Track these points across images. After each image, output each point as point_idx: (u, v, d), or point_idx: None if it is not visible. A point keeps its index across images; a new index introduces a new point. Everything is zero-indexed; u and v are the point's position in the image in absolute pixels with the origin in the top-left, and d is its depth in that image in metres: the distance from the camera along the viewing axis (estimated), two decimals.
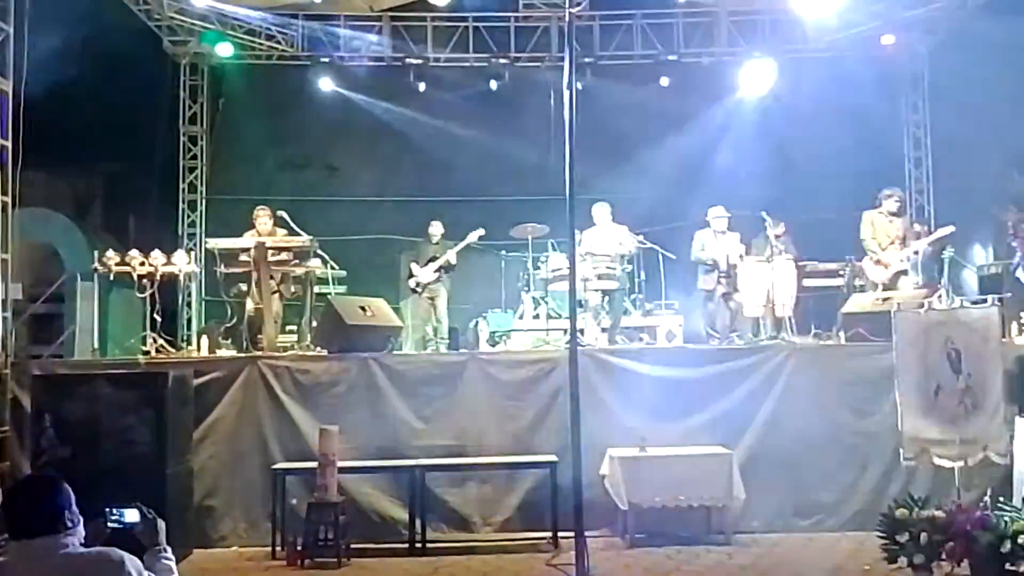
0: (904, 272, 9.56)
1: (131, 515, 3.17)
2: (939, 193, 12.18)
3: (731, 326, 9.84)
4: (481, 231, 10.43)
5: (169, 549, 3.20)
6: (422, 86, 12.23)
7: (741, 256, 9.82)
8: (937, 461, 6.78)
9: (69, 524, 2.94)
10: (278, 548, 7.39)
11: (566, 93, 6.52)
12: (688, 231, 10.42)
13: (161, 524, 3.22)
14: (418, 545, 7.47)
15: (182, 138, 12.42)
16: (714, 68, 12.38)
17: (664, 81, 12.42)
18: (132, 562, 2.91)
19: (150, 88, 11.93)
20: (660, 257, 10.26)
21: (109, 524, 3.15)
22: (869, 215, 9.71)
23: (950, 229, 9.53)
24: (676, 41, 12.47)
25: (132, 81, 11.37)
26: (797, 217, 10.45)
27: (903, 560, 6.28)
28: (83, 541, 2.98)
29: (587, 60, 12.02)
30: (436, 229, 10.62)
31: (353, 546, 7.28)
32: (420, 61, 12.28)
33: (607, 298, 9.65)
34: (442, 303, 10.52)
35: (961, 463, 6.58)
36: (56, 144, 10.80)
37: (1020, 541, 5.91)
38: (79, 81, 10.73)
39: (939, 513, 6.31)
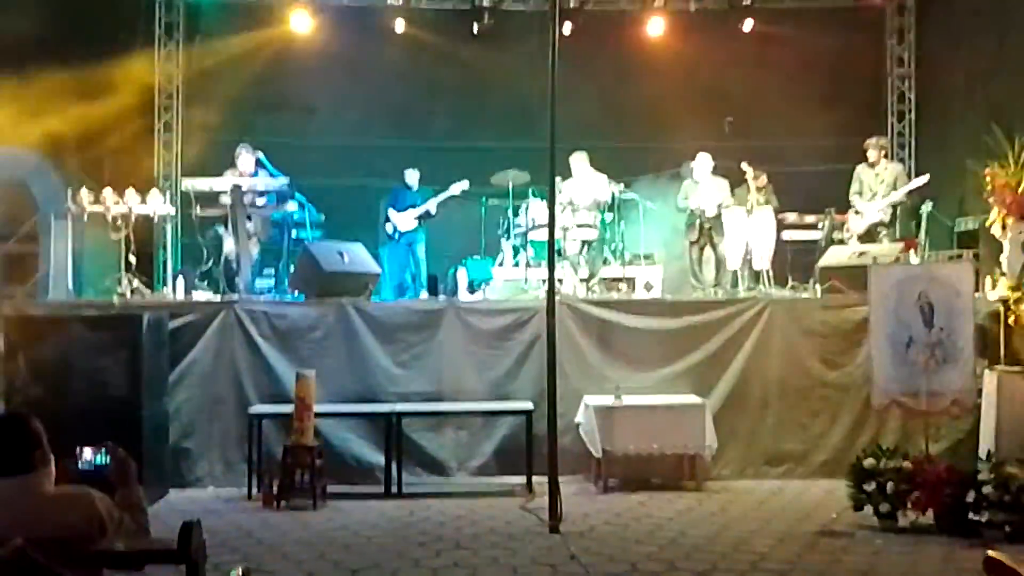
0: (883, 223, 9.61)
1: (101, 455, 3.17)
2: (921, 147, 12.19)
3: (716, 277, 9.89)
4: (465, 184, 10.33)
5: (140, 488, 3.20)
6: (401, 27, 11.99)
7: (720, 205, 9.82)
8: (906, 413, 6.91)
9: (41, 464, 2.93)
10: (254, 490, 7.43)
11: (550, 38, 6.45)
12: (669, 181, 10.42)
13: (132, 464, 3.22)
14: (394, 489, 7.54)
15: (157, 76, 12.18)
16: (700, 16, 12.24)
17: (651, 28, 12.27)
18: (103, 501, 2.91)
19: (125, 25, 11.64)
20: (640, 207, 10.25)
21: (80, 464, 3.15)
22: (857, 169, 9.79)
23: (924, 179, 9.60)
24: None
25: (107, 18, 11.09)
26: (777, 169, 10.44)
27: (869, 508, 6.43)
28: (53, 481, 2.97)
29: (572, 5, 11.84)
30: (412, 176, 10.53)
31: (329, 489, 7.33)
32: (401, 2, 12.05)
33: (585, 248, 9.65)
34: (420, 249, 10.49)
35: (929, 415, 6.71)
36: (28, 82, 10.55)
37: (984, 492, 6.05)
38: (52, 17, 10.46)
39: (906, 463, 6.45)
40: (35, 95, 10.68)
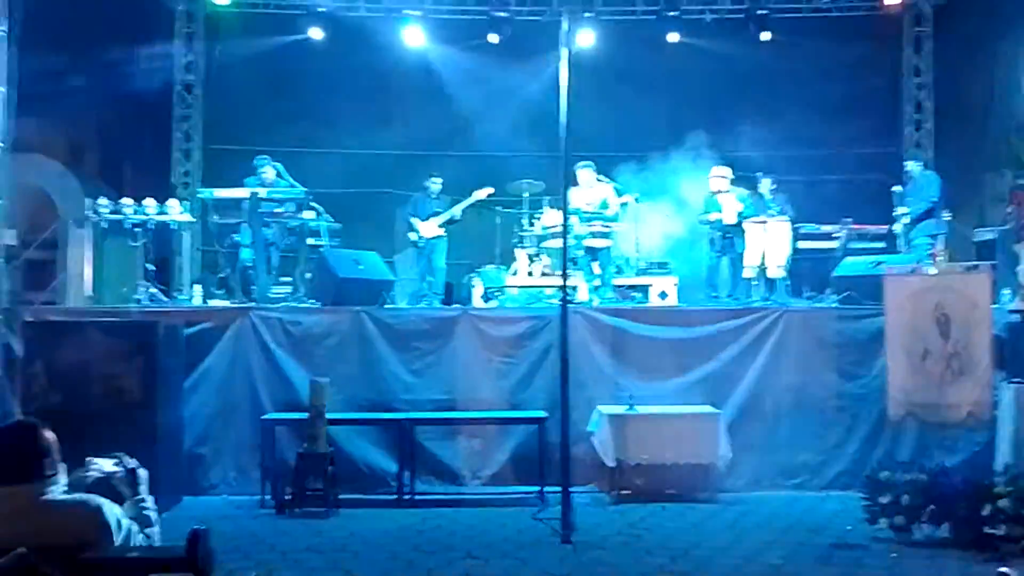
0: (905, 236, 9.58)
1: (112, 464, 3.19)
2: (939, 157, 12.11)
3: (731, 287, 9.85)
4: (490, 189, 10.31)
5: (151, 499, 3.22)
6: (420, 38, 12.06)
7: (739, 214, 9.79)
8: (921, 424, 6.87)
9: (50, 472, 2.95)
10: (267, 497, 7.46)
11: (564, 49, 6.48)
12: (683, 191, 10.40)
13: (143, 474, 3.24)
14: (406, 497, 7.55)
15: (177, 86, 12.30)
16: (717, 26, 12.22)
17: (667, 38, 12.26)
18: (111, 510, 2.94)
19: (146, 35, 11.77)
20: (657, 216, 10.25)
21: (90, 472, 3.18)
22: None
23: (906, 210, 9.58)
24: None
25: (128, 27, 11.21)
26: (794, 178, 10.41)
27: (884, 521, 6.37)
28: (65, 489, 3.00)
29: (587, 15, 11.86)
30: (436, 184, 10.50)
31: (341, 497, 7.35)
32: (419, 12, 12.11)
33: (594, 256, 9.65)
34: (440, 258, 10.41)
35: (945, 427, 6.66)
36: (51, 89, 10.69)
37: (1000, 505, 5.98)
38: (74, 26, 10.59)
39: (922, 476, 6.39)
40: (57, 103, 10.82)
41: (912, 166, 9.92)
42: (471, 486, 7.94)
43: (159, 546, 3.09)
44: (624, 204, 9.97)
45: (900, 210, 9.57)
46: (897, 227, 9.62)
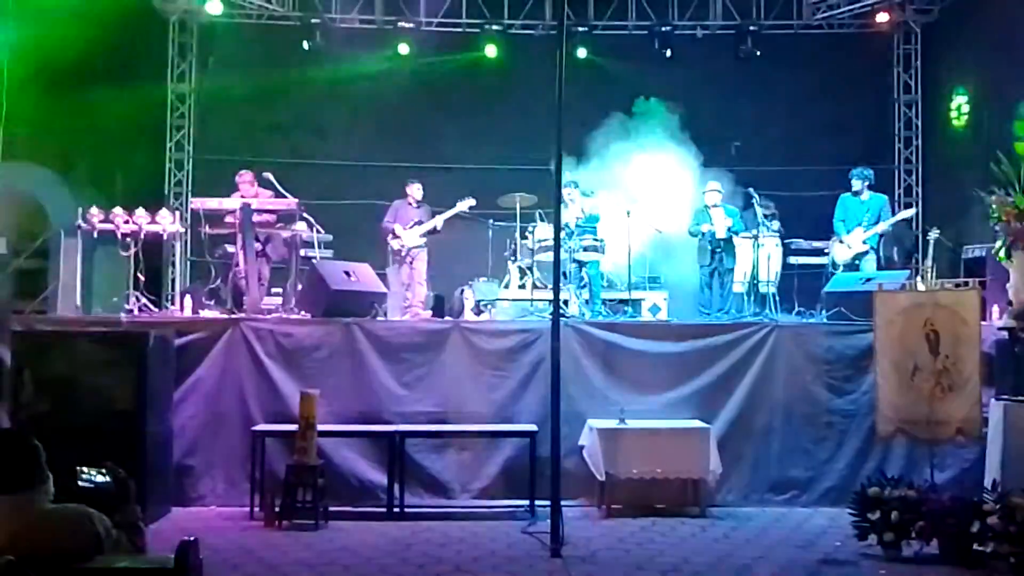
0: (866, 253, 9.65)
1: (101, 475, 3.18)
2: (927, 174, 12.20)
3: (722, 302, 9.88)
4: (472, 201, 10.31)
5: (139, 508, 3.21)
6: (414, 50, 12.11)
7: (730, 229, 9.85)
8: (911, 441, 6.89)
9: (38, 481, 2.94)
10: (256, 509, 7.42)
11: (557, 62, 6.52)
12: (674, 204, 10.44)
13: (131, 484, 3.23)
14: (396, 510, 7.53)
15: (170, 96, 12.30)
16: (708, 40, 12.32)
17: (659, 52, 12.33)
18: (100, 519, 2.93)
19: (139, 44, 11.76)
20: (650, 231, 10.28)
21: (80, 483, 3.17)
22: (843, 197, 9.85)
23: (909, 213, 9.66)
24: (671, 12, 12.37)
25: (121, 37, 11.20)
26: (784, 194, 10.47)
27: (873, 537, 6.38)
28: (52, 498, 2.99)
29: (580, 29, 11.93)
30: (417, 191, 10.43)
31: (331, 509, 7.32)
32: (412, 25, 12.17)
33: (583, 269, 9.69)
34: (421, 266, 10.34)
35: (934, 443, 6.68)
36: (42, 98, 10.66)
37: (989, 522, 6.00)
38: (67, 36, 10.57)
39: (911, 492, 6.41)
40: (49, 112, 10.80)
41: (857, 184, 9.78)
42: (461, 499, 7.91)
43: (148, 556, 3.08)
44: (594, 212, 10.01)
45: (876, 228, 9.63)
46: (851, 239, 9.67)
